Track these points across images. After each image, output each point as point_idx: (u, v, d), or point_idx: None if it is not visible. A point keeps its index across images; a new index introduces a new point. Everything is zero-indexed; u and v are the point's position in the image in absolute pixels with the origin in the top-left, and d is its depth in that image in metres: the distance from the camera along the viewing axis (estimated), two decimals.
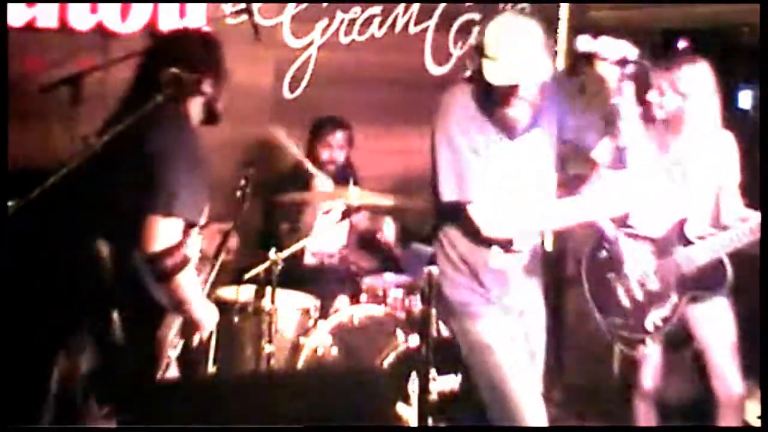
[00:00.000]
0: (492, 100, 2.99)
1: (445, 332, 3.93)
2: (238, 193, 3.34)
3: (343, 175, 4.64)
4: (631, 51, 2.87)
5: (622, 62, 2.86)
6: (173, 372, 3.03)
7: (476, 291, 3.18)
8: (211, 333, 4.12)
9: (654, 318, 3.75)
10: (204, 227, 3.02)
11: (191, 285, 2.87)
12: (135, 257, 2.80)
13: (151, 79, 2.89)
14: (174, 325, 2.92)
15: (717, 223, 3.78)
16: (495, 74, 2.88)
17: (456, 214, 3.13)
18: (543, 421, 3.18)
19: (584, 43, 2.95)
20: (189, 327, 2.95)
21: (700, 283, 3.72)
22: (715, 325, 3.79)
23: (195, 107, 3.04)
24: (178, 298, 2.85)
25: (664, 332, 3.78)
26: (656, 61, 3.64)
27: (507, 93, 2.94)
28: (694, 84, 3.65)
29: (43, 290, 3.07)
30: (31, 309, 3.32)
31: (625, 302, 3.78)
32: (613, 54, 2.88)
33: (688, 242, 3.72)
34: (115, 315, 2.80)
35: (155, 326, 2.89)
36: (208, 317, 2.97)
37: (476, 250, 3.16)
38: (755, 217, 3.63)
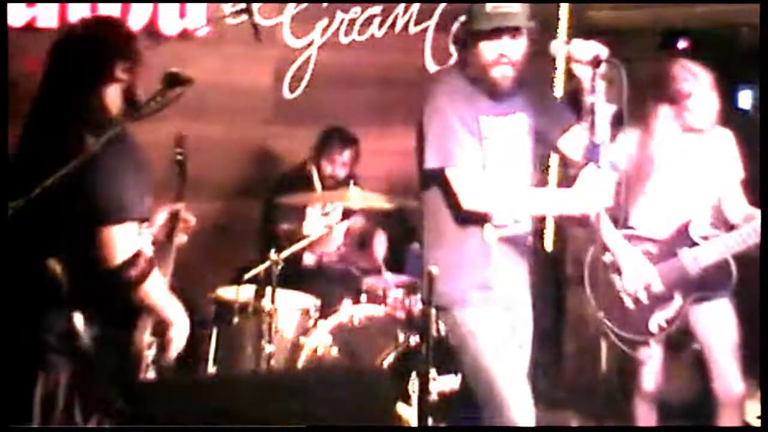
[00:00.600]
0: (478, 61, 3.14)
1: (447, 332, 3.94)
2: (177, 170, 3.25)
3: (344, 179, 4.64)
4: (602, 50, 2.98)
5: (595, 62, 2.95)
6: (152, 373, 2.97)
7: (463, 277, 3.21)
8: (210, 333, 4.16)
9: (658, 320, 3.75)
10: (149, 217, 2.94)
11: (158, 290, 2.79)
12: (96, 268, 2.68)
13: (65, 73, 2.81)
14: (148, 326, 2.82)
15: (721, 222, 3.78)
16: (480, 21, 3.11)
17: (440, 189, 3.20)
18: (528, 411, 3.22)
19: (559, 47, 3.12)
20: (162, 326, 2.86)
21: (706, 285, 3.71)
22: (717, 325, 3.79)
23: (111, 97, 2.84)
24: (146, 304, 2.77)
25: (667, 333, 3.78)
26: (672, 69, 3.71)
27: (492, 49, 3.11)
28: (708, 88, 3.70)
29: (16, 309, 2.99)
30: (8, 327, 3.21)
31: (629, 304, 3.77)
32: (585, 55, 2.99)
33: (693, 243, 3.72)
34: (80, 327, 2.69)
35: (128, 331, 2.79)
36: (177, 316, 2.86)
37: (466, 229, 3.21)
38: (759, 216, 3.63)
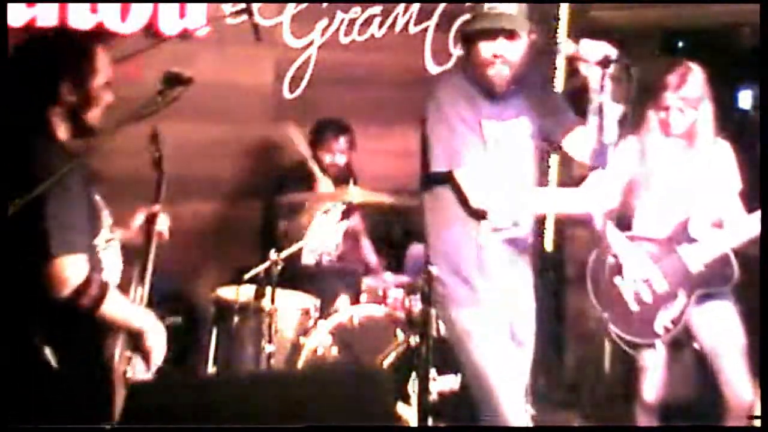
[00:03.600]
0: (476, 60, 3.16)
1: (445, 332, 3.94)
2: (155, 169, 3.09)
3: (344, 176, 4.65)
4: (611, 51, 2.98)
5: (604, 62, 2.95)
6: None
7: (459, 277, 3.24)
8: (211, 333, 4.17)
9: (663, 320, 3.74)
10: (126, 219, 2.91)
11: (119, 307, 2.69)
12: (49, 297, 2.58)
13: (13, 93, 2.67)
14: (117, 342, 2.73)
15: (719, 220, 3.78)
16: (476, 21, 3.16)
17: (443, 190, 3.21)
18: (521, 410, 3.26)
19: (566, 46, 3.11)
20: (134, 338, 2.75)
21: (708, 281, 3.72)
22: (723, 329, 3.78)
23: (57, 121, 2.67)
24: (110, 322, 2.68)
25: (672, 336, 3.77)
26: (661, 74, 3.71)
27: (488, 49, 3.12)
28: (701, 94, 3.70)
29: None
30: None
31: (634, 306, 3.76)
32: (594, 55, 2.99)
33: (692, 241, 3.73)
34: (48, 351, 2.60)
35: (97, 348, 2.70)
36: (147, 323, 2.75)
37: (463, 230, 3.22)
38: (756, 214, 3.65)
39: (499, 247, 3.26)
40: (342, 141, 4.73)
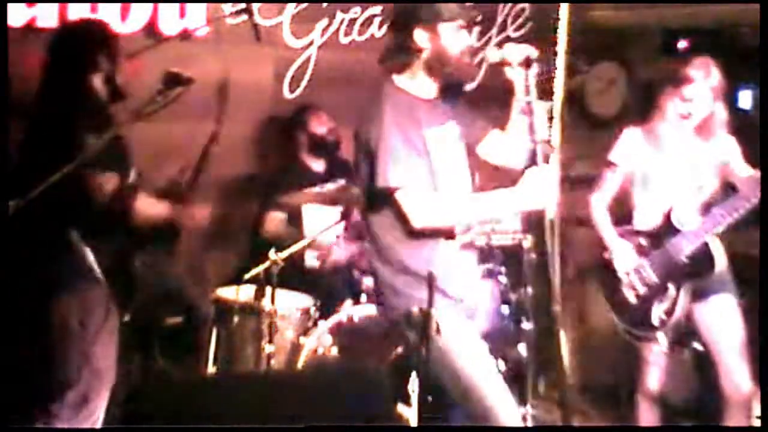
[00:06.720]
0: (444, 55, 3.16)
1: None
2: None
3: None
4: (532, 51, 3.07)
5: (526, 63, 3.04)
6: None
7: (417, 291, 3.09)
8: (211, 333, 4.17)
9: (658, 312, 3.78)
10: None
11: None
12: None
13: (56, 68, 3.39)
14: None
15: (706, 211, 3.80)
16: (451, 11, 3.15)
17: (387, 208, 3.15)
18: (516, 416, 3.21)
19: (492, 53, 3.19)
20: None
21: (692, 272, 3.74)
22: (721, 323, 3.81)
23: (98, 84, 3.37)
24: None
25: (672, 328, 3.79)
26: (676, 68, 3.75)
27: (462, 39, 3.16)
28: (720, 87, 3.74)
29: None
30: None
31: (631, 299, 3.82)
32: (517, 57, 3.08)
33: (676, 231, 3.76)
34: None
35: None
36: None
37: (417, 242, 3.14)
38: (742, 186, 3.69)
39: (459, 253, 3.23)
40: (323, 112, 4.84)
